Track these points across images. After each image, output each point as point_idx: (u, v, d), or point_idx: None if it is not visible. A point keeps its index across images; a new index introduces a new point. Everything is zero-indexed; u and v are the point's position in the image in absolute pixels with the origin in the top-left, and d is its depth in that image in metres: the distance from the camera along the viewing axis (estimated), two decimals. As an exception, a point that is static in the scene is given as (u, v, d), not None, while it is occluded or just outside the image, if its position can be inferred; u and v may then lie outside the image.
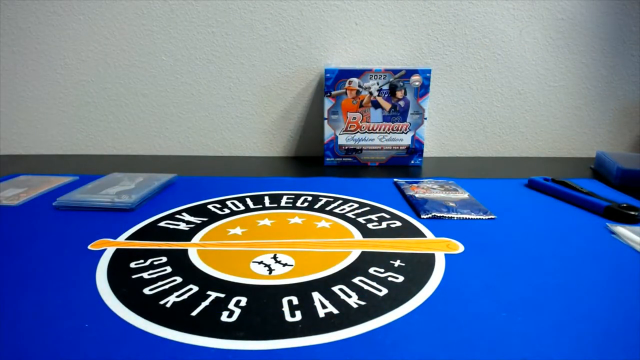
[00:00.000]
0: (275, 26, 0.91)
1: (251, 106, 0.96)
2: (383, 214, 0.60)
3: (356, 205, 0.64)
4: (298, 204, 0.64)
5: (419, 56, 0.93)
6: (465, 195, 0.66)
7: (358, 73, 0.82)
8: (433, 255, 0.48)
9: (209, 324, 0.36)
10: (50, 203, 0.63)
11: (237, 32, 0.92)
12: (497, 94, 0.96)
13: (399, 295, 0.40)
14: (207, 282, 0.42)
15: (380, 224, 0.57)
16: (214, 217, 0.59)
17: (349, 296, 0.40)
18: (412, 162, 0.88)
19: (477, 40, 0.92)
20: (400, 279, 0.43)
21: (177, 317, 0.37)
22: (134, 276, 0.44)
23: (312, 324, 0.36)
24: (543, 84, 0.95)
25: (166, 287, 0.42)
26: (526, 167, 0.88)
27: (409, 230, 0.55)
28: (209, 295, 0.40)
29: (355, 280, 0.43)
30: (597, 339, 0.34)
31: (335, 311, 0.37)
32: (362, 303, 0.39)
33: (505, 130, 0.98)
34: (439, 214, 0.59)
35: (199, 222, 0.58)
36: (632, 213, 0.57)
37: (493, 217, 0.59)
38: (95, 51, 0.93)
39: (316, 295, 0.40)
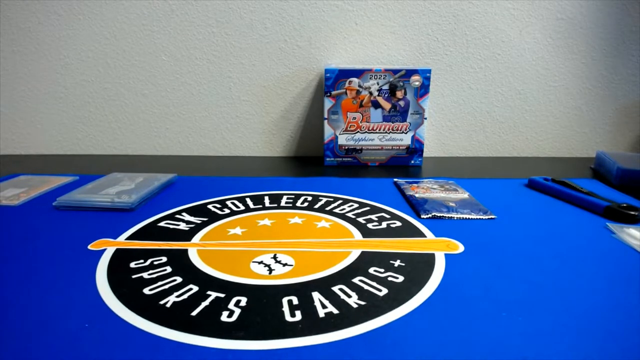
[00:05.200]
0: (275, 26, 0.91)
1: (251, 106, 0.96)
2: (383, 214, 0.60)
3: (356, 205, 0.64)
4: (298, 204, 0.64)
5: (419, 56, 0.93)
6: (465, 195, 0.66)
7: (358, 73, 0.82)
8: (433, 255, 0.48)
9: (209, 324, 0.36)
10: (50, 203, 0.63)
11: (237, 32, 0.92)
12: (497, 94, 0.96)
13: (399, 295, 0.40)
14: (207, 282, 0.42)
15: (380, 224, 0.57)
16: (214, 217, 0.59)
17: (349, 296, 0.40)
18: (412, 162, 0.88)
19: (477, 40, 0.92)
20: (400, 279, 0.43)
21: (177, 317, 0.37)
22: (134, 276, 0.44)
23: (312, 324, 0.36)
24: (543, 84, 0.95)
25: (166, 287, 0.42)
26: (526, 167, 0.88)
27: (409, 230, 0.55)
28: (209, 295, 0.40)
29: (355, 280, 0.43)
30: (597, 339, 0.34)
31: (335, 311, 0.37)
32: (362, 303, 0.39)
33: (505, 130, 0.98)
34: (439, 214, 0.59)
35: (199, 222, 0.58)
36: (632, 213, 0.57)
37: (493, 217, 0.59)
38: (95, 51, 0.93)
39: (316, 295, 0.40)
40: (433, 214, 0.59)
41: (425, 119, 0.85)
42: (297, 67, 0.94)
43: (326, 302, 0.39)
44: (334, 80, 0.82)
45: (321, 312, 0.37)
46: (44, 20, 0.91)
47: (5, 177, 0.76)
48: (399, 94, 0.83)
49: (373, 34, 0.92)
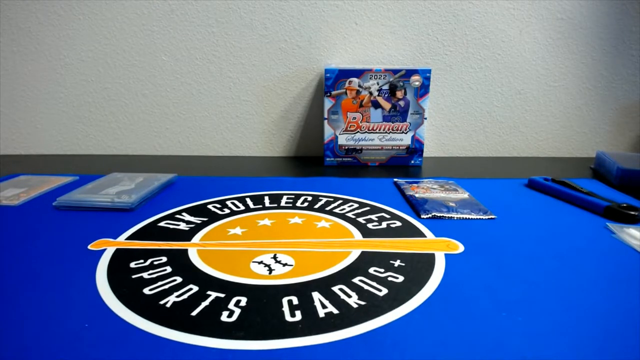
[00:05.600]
0: (275, 26, 0.91)
1: (251, 106, 0.96)
2: (383, 214, 0.60)
3: (356, 205, 0.64)
4: (298, 204, 0.64)
5: (419, 56, 0.93)
6: (465, 195, 0.66)
7: (358, 73, 0.82)
8: (433, 255, 0.48)
9: (209, 324, 0.36)
10: (50, 203, 0.63)
11: (237, 32, 0.92)
12: (497, 94, 0.96)
13: (399, 295, 0.40)
14: (207, 282, 0.42)
15: (380, 224, 0.57)
16: (214, 217, 0.59)
17: (349, 296, 0.40)
18: (412, 162, 0.88)
19: (477, 40, 0.92)
20: (400, 279, 0.43)
21: (177, 317, 0.37)
22: (134, 276, 0.44)
23: (312, 324, 0.36)
24: (543, 84, 0.95)
25: (166, 287, 0.42)
26: (526, 167, 0.88)
27: (409, 230, 0.55)
28: (209, 295, 0.40)
29: (355, 280, 0.43)
30: (597, 339, 0.34)
31: (335, 311, 0.37)
32: (362, 303, 0.39)
33: (505, 130, 0.98)
34: (439, 214, 0.59)
35: (199, 222, 0.58)
36: (632, 213, 0.57)
37: (493, 217, 0.59)
38: (95, 51, 0.93)
39: (316, 295, 0.40)
40: (433, 214, 0.59)
41: (425, 119, 0.85)
42: (297, 67, 0.94)
43: (326, 302, 0.39)
44: (334, 80, 0.82)
45: (321, 312, 0.37)
46: (44, 20, 0.91)
47: (5, 177, 0.76)
48: (399, 94, 0.83)
49: (373, 34, 0.92)
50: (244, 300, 0.39)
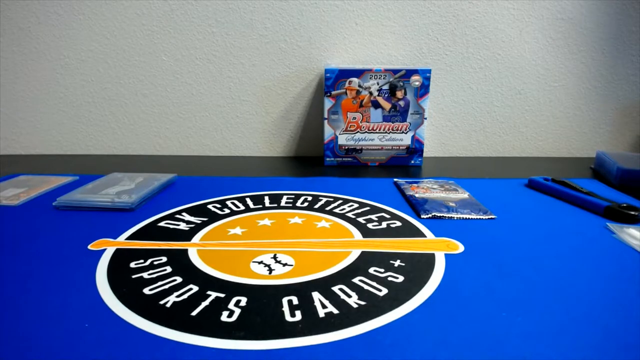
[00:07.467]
0: (275, 26, 0.91)
1: (251, 106, 0.96)
2: (383, 214, 0.60)
3: (356, 205, 0.64)
4: (298, 204, 0.64)
5: (419, 56, 0.93)
6: (465, 195, 0.66)
7: (358, 73, 0.82)
8: (433, 255, 0.48)
9: (209, 324, 0.36)
10: (50, 203, 0.63)
11: (237, 32, 0.92)
12: (497, 94, 0.96)
13: (399, 295, 0.40)
14: (207, 282, 0.42)
15: (380, 224, 0.57)
16: (214, 217, 0.59)
17: (349, 296, 0.40)
18: (412, 162, 0.88)
19: (477, 40, 0.92)
20: (400, 279, 0.43)
21: (177, 317, 0.37)
22: (134, 276, 0.44)
23: (312, 324, 0.36)
24: (543, 84, 0.95)
25: (166, 287, 0.42)
26: (526, 167, 0.88)
27: (409, 230, 0.55)
28: (209, 295, 0.40)
29: (355, 280, 0.43)
30: (597, 339, 0.34)
31: (335, 311, 0.37)
32: (362, 303, 0.39)
33: (505, 130, 0.98)
34: (439, 214, 0.59)
35: (199, 222, 0.58)
36: (632, 213, 0.57)
37: (493, 217, 0.59)
38: (95, 51, 0.93)
39: (316, 295, 0.40)
40: (433, 214, 0.59)
41: (425, 119, 0.85)
42: (297, 67, 0.94)
43: (326, 302, 0.39)
44: (334, 80, 0.82)
45: (321, 312, 0.37)
46: (44, 20, 0.91)
47: (5, 177, 0.76)
48: (399, 94, 0.83)
49: (373, 34, 0.92)
50: (244, 300, 0.39)
